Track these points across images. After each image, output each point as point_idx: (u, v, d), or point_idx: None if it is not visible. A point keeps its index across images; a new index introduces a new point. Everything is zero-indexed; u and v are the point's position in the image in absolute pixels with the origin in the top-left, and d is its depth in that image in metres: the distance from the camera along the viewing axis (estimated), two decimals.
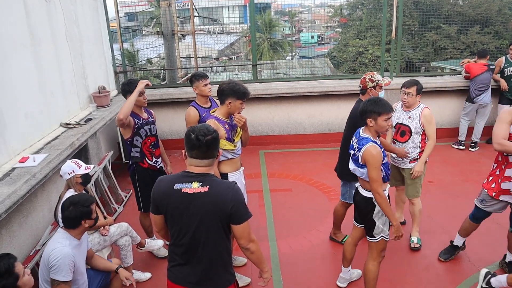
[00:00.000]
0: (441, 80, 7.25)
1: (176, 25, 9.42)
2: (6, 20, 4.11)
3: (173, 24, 9.16)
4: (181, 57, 10.57)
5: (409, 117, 4.17)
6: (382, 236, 3.34)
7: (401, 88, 4.18)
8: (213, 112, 3.61)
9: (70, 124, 5.14)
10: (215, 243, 2.39)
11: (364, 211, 3.37)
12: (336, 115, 7.24)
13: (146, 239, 4.29)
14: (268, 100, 6.96)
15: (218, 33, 10.97)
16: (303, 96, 7.00)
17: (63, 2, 5.24)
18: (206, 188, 2.32)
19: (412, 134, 4.14)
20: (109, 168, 5.56)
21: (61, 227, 3.07)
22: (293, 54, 27.62)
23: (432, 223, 4.82)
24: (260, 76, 7.98)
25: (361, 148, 3.17)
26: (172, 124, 7.15)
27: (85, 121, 5.37)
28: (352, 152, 3.35)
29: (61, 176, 3.56)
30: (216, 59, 12.60)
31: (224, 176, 3.57)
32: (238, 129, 3.59)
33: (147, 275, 4.12)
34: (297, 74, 14.11)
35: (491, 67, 6.77)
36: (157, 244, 4.34)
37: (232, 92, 3.40)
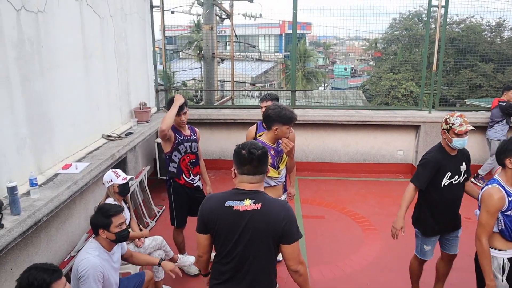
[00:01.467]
0: (480, 116, 7.12)
1: (217, 48, 9.65)
2: (64, 32, 4.31)
3: (214, 47, 9.38)
4: (219, 80, 10.77)
5: None
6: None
7: None
8: (259, 136, 3.56)
9: (111, 136, 5.27)
10: (263, 263, 2.35)
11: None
12: (372, 145, 7.18)
13: (178, 255, 4.29)
14: (304, 126, 6.97)
15: (255, 59, 11.14)
16: (340, 124, 6.99)
17: (115, 19, 5.47)
18: (259, 206, 2.29)
19: None
20: (145, 182, 5.64)
21: (93, 237, 3.12)
22: (326, 85, 27.72)
23: None
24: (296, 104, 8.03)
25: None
26: (208, 145, 7.23)
27: (125, 135, 5.49)
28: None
29: (103, 183, 3.64)
30: (253, 84, 12.77)
31: None
32: (284, 155, 3.51)
33: None
34: (330, 105, 14.13)
35: (502, 103, 6.66)
36: (188, 260, 4.33)
37: (278, 118, 3.30)
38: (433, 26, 7.08)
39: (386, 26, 22.84)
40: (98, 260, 2.93)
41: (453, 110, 7.54)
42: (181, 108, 4.03)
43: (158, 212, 5.80)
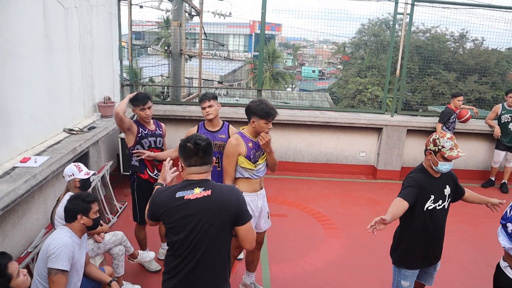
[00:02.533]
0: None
1: (185, 45, 9.59)
2: (22, 19, 4.14)
3: (182, 44, 9.32)
4: (186, 78, 10.71)
5: None
6: None
7: None
8: (242, 128, 3.60)
9: (73, 130, 5.16)
10: (218, 249, 2.40)
11: None
12: (335, 146, 7.33)
13: (139, 251, 4.25)
14: None
15: (224, 58, 11.14)
16: (304, 125, 7.09)
17: (80, 11, 5.35)
18: (209, 192, 2.36)
19: None
20: (107, 178, 5.55)
21: (63, 225, 3.08)
22: (294, 86, 27.97)
23: None
24: None
25: None
26: (172, 141, 7.14)
27: (88, 129, 5.39)
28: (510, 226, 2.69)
29: (63, 177, 3.57)
30: (220, 82, 12.77)
31: None
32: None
33: (137, 287, 4.06)
34: (304, 106, 14.30)
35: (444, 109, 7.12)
36: (149, 256, 4.30)
37: (256, 111, 3.37)
38: (399, 33, 7.29)
39: (354, 31, 23.28)
40: (70, 240, 2.91)
41: (416, 115, 7.78)
42: (144, 102, 4.02)
43: (120, 208, 5.73)
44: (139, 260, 4.23)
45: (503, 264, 2.77)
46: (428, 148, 2.99)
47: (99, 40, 6.07)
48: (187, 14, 10.14)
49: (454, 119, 6.98)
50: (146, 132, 4.11)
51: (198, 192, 2.35)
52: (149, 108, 4.07)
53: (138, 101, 4.04)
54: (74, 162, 4.22)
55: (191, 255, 2.36)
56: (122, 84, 7.05)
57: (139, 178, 4.15)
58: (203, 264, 2.37)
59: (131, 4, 6.79)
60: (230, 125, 4.21)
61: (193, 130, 4.10)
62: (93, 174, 3.68)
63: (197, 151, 2.38)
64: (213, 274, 2.42)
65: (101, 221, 4.06)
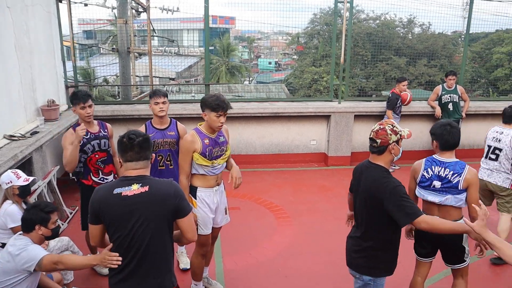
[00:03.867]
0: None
1: (133, 43, 9.43)
2: None
3: (129, 42, 9.16)
4: (137, 76, 10.54)
5: None
6: (468, 256, 3.29)
7: None
8: (200, 124, 3.55)
9: (14, 136, 5.00)
10: (160, 243, 2.42)
11: (457, 243, 3.20)
12: (286, 136, 7.44)
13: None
14: None
15: (175, 54, 11.04)
16: (254, 116, 7.16)
17: (14, 12, 5.17)
18: (146, 188, 2.37)
19: None
20: (54, 183, 5.42)
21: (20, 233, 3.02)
22: (251, 79, 28.07)
23: None
24: None
25: (460, 173, 3.08)
26: None
27: (31, 134, 5.24)
28: (437, 183, 3.14)
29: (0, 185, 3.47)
30: (172, 79, 12.65)
31: (193, 189, 3.52)
32: (227, 152, 3.57)
33: None
34: (254, 97, 14.38)
35: (390, 95, 7.27)
36: None
37: (207, 103, 3.36)
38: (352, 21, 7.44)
39: (307, 21, 23.56)
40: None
41: (366, 101, 7.98)
42: (84, 100, 3.82)
43: (71, 213, 5.61)
44: None
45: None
46: (391, 141, 2.74)
47: (38, 41, 5.89)
48: (134, 11, 9.96)
49: (400, 103, 7.23)
50: (88, 137, 3.89)
51: (135, 188, 2.36)
52: (89, 106, 3.87)
53: (77, 99, 3.83)
54: (13, 169, 4.12)
55: (134, 251, 2.37)
56: (67, 86, 6.87)
57: (83, 185, 4.00)
58: (147, 259, 2.40)
59: (70, 3, 6.60)
60: (178, 122, 4.21)
61: (140, 129, 3.98)
62: (33, 181, 3.60)
63: (132, 146, 2.38)
64: (158, 268, 2.45)
65: None
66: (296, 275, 4.34)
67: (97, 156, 3.97)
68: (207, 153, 3.43)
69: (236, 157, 7.30)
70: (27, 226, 2.96)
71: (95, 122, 4.05)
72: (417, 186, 3.34)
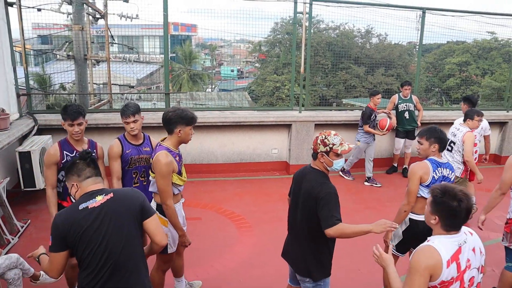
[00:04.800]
0: (346, 114, 7.77)
1: (90, 50, 9.18)
2: None
3: (86, 49, 8.92)
4: (95, 83, 10.27)
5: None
6: None
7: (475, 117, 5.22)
8: (162, 140, 3.34)
9: None
10: (135, 246, 2.43)
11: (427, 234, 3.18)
12: (248, 145, 7.43)
13: (41, 272, 3.98)
14: None
15: (134, 61, 10.84)
16: (215, 126, 7.11)
17: None
18: (111, 195, 2.43)
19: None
20: (4, 196, 5.15)
21: None
22: (213, 86, 28.00)
23: None
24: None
25: (453, 170, 3.63)
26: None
27: None
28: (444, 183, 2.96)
29: None
30: (132, 87, 12.40)
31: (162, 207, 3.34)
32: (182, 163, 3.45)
33: None
34: (216, 106, 14.33)
35: (364, 109, 7.22)
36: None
37: (180, 119, 3.20)
38: (313, 31, 7.53)
39: (269, 30, 23.80)
40: None
41: (331, 110, 8.09)
42: (73, 117, 3.46)
43: (22, 227, 5.35)
44: (42, 282, 3.97)
45: (415, 217, 3.59)
46: (319, 150, 2.90)
47: None
48: (91, 17, 9.71)
49: (374, 117, 7.11)
50: (73, 155, 3.51)
51: (100, 199, 2.40)
52: (79, 124, 3.52)
53: (66, 114, 3.47)
54: None
55: (111, 260, 2.34)
56: (18, 94, 6.58)
57: (60, 206, 3.61)
58: (125, 266, 2.39)
59: (21, 7, 6.33)
60: (150, 137, 3.99)
61: (116, 145, 3.72)
62: None
63: (89, 163, 2.49)
64: (137, 273, 2.45)
65: None
66: (258, 286, 4.30)
67: (69, 191, 3.66)
68: (181, 171, 3.33)
69: (197, 166, 7.26)
70: None
71: (85, 139, 3.72)
72: (420, 187, 3.56)
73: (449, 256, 2.23)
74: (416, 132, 7.39)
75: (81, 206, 2.37)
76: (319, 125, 7.48)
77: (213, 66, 28.56)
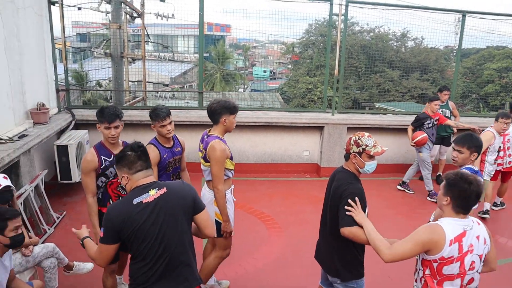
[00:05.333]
0: (380, 118, 7.64)
1: (126, 48, 9.37)
2: None
3: (123, 46, 9.10)
4: (130, 81, 10.46)
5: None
6: None
7: (499, 119, 5.57)
8: (210, 131, 3.60)
9: (1, 139, 4.91)
10: (186, 241, 2.47)
11: None
12: (279, 146, 7.41)
13: (74, 262, 4.09)
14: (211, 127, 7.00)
15: (169, 60, 10.99)
16: (248, 125, 7.12)
17: (4, 15, 5.10)
18: (164, 189, 2.44)
19: None
20: (42, 187, 5.32)
21: None
22: (245, 87, 28.10)
23: None
24: None
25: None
26: None
27: (19, 137, 5.15)
28: None
29: None
30: (166, 85, 12.58)
31: None
32: None
33: None
34: (248, 106, 14.35)
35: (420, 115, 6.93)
36: (86, 268, 4.15)
37: (224, 109, 3.49)
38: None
39: (303, 31, 23.69)
40: None
41: (360, 113, 7.98)
42: (110, 119, 3.31)
43: (58, 218, 5.51)
44: (75, 272, 4.08)
45: None
46: (351, 151, 2.91)
47: (29, 44, 5.82)
48: (128, 16, 9.91)
49: (431, 125, 6.76)
50: (111, 159, 3.35)
51: (154, 193, 2.41)
52: (116, 127, 3.36)
53: (103, 117, 3.32)
54: (1, 173, 4.02)
55: (166, 252, 2.40)
56: (58, 89, 6.79)
57: (101, 213, 3.43)
58: (179, 258, 2.44)
59: (62, 6, 6.53)
60: (176, 135, 3.95)
61: (153, 151, 3.60)
62: (6, 187, 3.42)
63: (140, 155, 2.46)
64: (190, 265, 2.50)
65: (30, 233, 3.90)
66: (286, 286, 4.28)
67: (119, 181, 3.35)
68: (231, 155, 3.63)
69: None
70: None
71: (120, 142, 3.54)
72: None
73: (453, 236, 2.43)
74: (452, 139, 7.17)
75: (135, 201, 2.38)
76: (352, 128, 7.38)
77: (246, 67, 28.66)
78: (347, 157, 2.98)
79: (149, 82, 10.91)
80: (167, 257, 2.40)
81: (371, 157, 2.90)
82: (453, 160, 3.57)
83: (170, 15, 9.59)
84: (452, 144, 3.62)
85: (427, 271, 2.55)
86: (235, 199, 3.86)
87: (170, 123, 3.68)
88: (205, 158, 3.55)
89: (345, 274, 3.00)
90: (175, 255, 2.42)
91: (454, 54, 10.13)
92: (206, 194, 3.71)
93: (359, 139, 2.90)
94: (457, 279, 2.49)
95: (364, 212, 2.88)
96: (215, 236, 2.68)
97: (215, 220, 3.64)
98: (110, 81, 11.30)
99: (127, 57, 9.30)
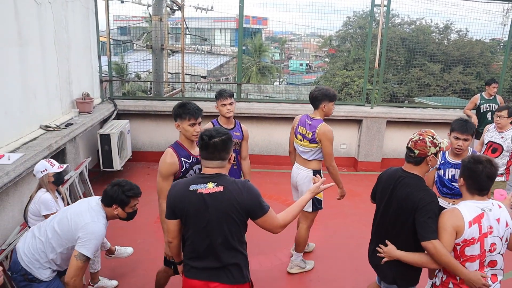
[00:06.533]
0: (420, 112, 7.46)
1: (167, 40, 9.55)
2: None
3: (163, 39, 9.28)
4: (169, 73, 10.66)
5: (502, 137, 4.78)
6: None
7: (495, 113, 4.87)
8: (312, 115, 4.02)
9: (50, 127, 5.13)
10: (232, 241, 2.45)
11: None
12: None
13: (116, 246, 4.25)
14: (250, 119, 7.05)
15: (207, 52, 11.12)
16: (285, 118, 7.12)
17: (54, 6, 5.31)
18: (221, 188, 2.39)
19: (503, 152, 4.76)
20: (86, 174, 5.52)
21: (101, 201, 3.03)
22: (281, 80, 27.98)
23: None
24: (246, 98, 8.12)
25: None
26: (153, 136, 7.19)
27: (65, 125, 5.37)
28: None
29: (34, 175, 3.55)
30: (204, 77, 12.75)
31: (317, 172, 4.07)
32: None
33: (114, 282, 4.07)
34: (285, 99, 14.34)
35: None
36: (126, 252, 4.29)
37: (324, 96, 3.88)
38: (385, 26, 7.32)
39: (340, 24, 23.30)
40: (104, 230, 2.92)
41: (402, 107, 7.81)
42: (197, 115, 3.07)
43: None
44: (116, 256, 4.23)
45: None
46: (430, 153, 2.69)
47: (76, 36, 6.03)
48: (168, 8, 10.08)
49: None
50: (191, 161, 3.09)
51: (211, 187, 2.39)
52: (199, 124, 3.12)
53: (188, 113, 3.05)
54: (47, 158, 4.21)
55: (209, 246, 2.44)
56: (101, 80, 7.01)
57: None
58: (221, 254, 2.44)
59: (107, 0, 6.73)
60: (241, 123, 4.20)
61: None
62: (66, 168, 3.67)
63: (207, 145, 2.39)
64: (230, 264, 2.48)
65: None
66: (321, 279, 4.29)
67: None
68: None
69: (264, 157, 7.33)
70: (106, 201, 2.97)
71: (195, 142, 3.20)
72: None
73: (471, 217, 2.49)
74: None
75: (191, 187, 2.41)
76: (391, 122, 7.25)
77: (282, 60, 28.53)
78: (420, 161, 2.72)
79: (187, 74, 11.09)
80: (211, 248, 2.44)
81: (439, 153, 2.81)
82: (459, 150, 3.53)
83: (210, 8, 9.69)
84: (454, 134, 3.53)
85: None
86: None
87: (231, 103, 3.97)
88: (312, 140, 3.96)
89: (402, 281, 2.90)
90: (218, 252, 2.44)
91: (501, 47, 9.72)
92: (302, 173, 4.14)
93: (434, 138, 2.71)
94: (477, 260, 2.53)
95: None
96: (282, 230, 2.54)
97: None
98: (150, 73, 11.55)
99: (166, 49, 9.48)
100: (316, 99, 3.92)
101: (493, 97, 7.02)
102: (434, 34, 22.98)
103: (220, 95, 3.96)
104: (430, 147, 2.68)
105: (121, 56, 21.01)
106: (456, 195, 3.61)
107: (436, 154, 2.72)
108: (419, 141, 2.70)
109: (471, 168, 2.53)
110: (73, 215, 2.92)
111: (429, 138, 2.69)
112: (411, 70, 19.65)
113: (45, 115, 5.25)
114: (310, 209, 4.16)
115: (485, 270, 2.55)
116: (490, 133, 4.96)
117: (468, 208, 2.52)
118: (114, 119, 6.71)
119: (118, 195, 2.93)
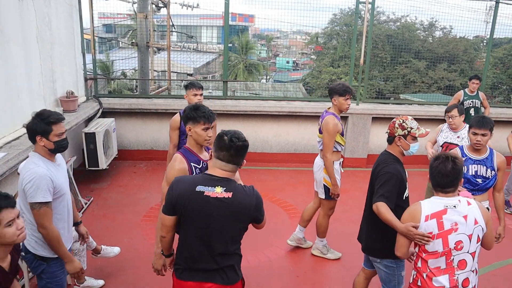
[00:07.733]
0: (405, 108, 7.53)
1: (152, 37, 9.48)
2: None
3: (149, 36, 9.21)
4: (155, 70, 10.60)
5: (458, 137, 4.62)
6: None
7: (445, 114, 4.69)
8: (329, 108, 4.25)
9: None
10: (231, 245, 2.43)
11: None
12: (303, 136, 7.40)
13: (102, 246, 4.21)
14: (236, 116, 7.05)
15: (193, 50, 11.07)
16: (271, 115, 7.13)
17: (36, 3, 5.23)
18: (230, 194, 2.34)
19: None
20: (71, 173, 5.47)
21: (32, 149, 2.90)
22: (268, 77, 27.99)
23: None
24: (233, 95, 8.11)
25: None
26: (139, 134, 7.14)
27: None
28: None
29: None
30: (190, 75, 12.69)
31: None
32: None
33: (100, 282, 4.04)
34: (271, 97, 14.35)
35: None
36: (113, 252, 4.26)
37: (334, 91, 4.12)
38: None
39: (327, 21, 23.39)
40: (43, 169, 2.74)
41: (385, 103, 7.89)
42: (212, 119, 2.91)
43: (86, 203, 5.66)
44: (102, 255, 4.20)
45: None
46: (396, 134, 3.04)
47: (60, 33, 5.96)
48: (154, 6, 10.01)
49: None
50: (201, 166, 2.91)
51: (219, 192, 2.33)
52: (212, 128, 2.95)
53: (201, 116, 2.86)
54: None
55: (207, 253, 2.40)
56: (86, 78, 6.94)
57: None
58: (217, 256, 2.41)
59: None
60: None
61: (175, 118, 4.12)
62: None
63: (230, 147, 2.32)
64: (225, 265, 2.45)
65: None
66: (307, 275, 4.32)
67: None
68: (343, 134, 4.25)
69: (251, 154, 7.29)
70: (30, 136, 2.81)
71: (203, 147, 3.03)
72: None
73: (430, 212, 2.54)
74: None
75: (198, 188, 2.33)
76: (376, 119, 7.31)
77: (269, 57, 28.52)
78: (391, 140, 3.11)
79: (173, 72, 11.03)
80: (201, 251, 2.41)
81: (414, 139, 3.05)
82: (478, 145, 3.62)
83: (195, 5, 9.64)
84: (472, 130, 3.63)
85: (417, 248, 2.67)
86: (342, 171, 4.50)
87: (201, 94, 4.17)
88: (320, 130, 4.23)
89: (383, 253, 3.09)
90: (215, 252, 2.41)
91: (484, 44, 9.87)
92: (317, 162, 4.44)
93: (403, 122, 3.04)
94: (441, 257, 2.53)
95: (403, 194, 3.04)
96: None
97: (324, 185, 4.33)
98: (135, 70, 11.46)
99: (152, 47, 9.41)
100: (328, 94, 4.22)
101: (476, 93, 7.13)
102: (419, 31, 23.20)
103: (193, 85, 4.08)
104: (397, 128, 3.04)
105: (106, 54, 20.80)
106: (478, 191, 3.72)
107: (404, 136, 3.02)
108: (391, 122, 3.12)
109: (430, 165, 2.63)
110: (19, 180, 2.80)
111: (399, 121, 3.05)
112: (396, 67, 19.82)
113: (29, 114, 5.16)
114: (323, 196, 4.39)
115: (456, 273, 2.52)
116: (445, 134, 4.71)
117: (430, 203, 2.60)
118: (99, 117, 6.64)
119: (38, 125, 2.75)
